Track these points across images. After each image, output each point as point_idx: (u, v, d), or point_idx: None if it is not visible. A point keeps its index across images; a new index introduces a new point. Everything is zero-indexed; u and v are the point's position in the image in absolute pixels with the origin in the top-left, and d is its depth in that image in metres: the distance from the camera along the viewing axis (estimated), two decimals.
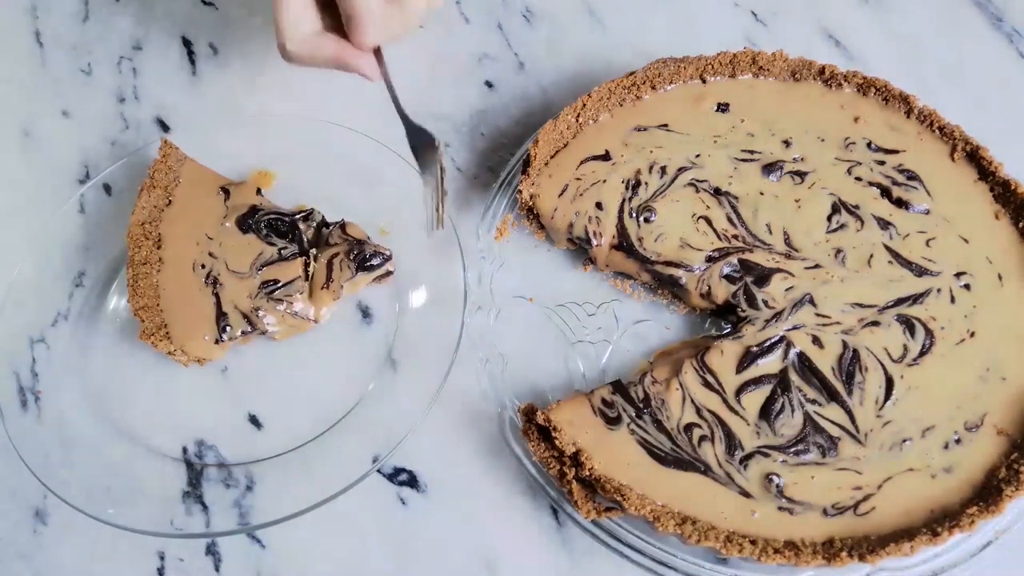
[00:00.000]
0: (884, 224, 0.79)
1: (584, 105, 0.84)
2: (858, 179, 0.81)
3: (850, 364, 0.73)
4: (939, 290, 0.76)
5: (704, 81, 0.88)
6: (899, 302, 0.75)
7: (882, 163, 0.82)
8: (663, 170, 0.82)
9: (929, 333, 0.74)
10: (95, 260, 0.86)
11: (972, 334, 0.74)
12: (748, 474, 0.68)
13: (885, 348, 0.73)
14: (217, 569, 0.74)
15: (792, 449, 0.69)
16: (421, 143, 0.78)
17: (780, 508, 0.67)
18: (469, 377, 0.77)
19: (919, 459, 0.68)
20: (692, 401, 0.72)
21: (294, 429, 0.78)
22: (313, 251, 0.83)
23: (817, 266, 0.77)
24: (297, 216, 0.84)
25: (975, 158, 0.81)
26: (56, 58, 1.03)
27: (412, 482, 0.76)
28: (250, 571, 0.73)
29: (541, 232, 0.85)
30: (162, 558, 0.74)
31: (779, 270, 0.77)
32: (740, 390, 0.72)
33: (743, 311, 0.76)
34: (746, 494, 0.68)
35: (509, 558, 0.73)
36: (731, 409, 0.71)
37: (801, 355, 0.73)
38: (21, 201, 0.93)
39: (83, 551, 0.75)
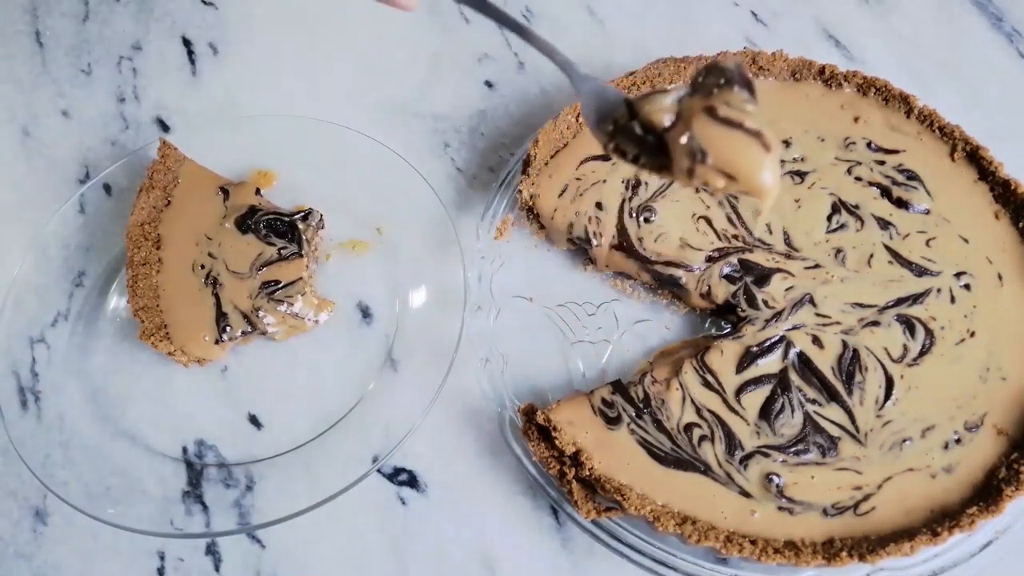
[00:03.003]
0: (884, 224, 0.79)
1: None
2: (858, 179, 0.81)
3: (850, 364, 0.73)
4: (939, 290, 0.76)
5: None
6: (899, 302, 0.75)
7: (882, 163, 0.82)
8: None
9: (929, 333, 0.74)
10: (95, 260, 0.86)
11: (972, 334, 0.74)
12: (748, 474, 0.68)
13: (885, 348, 0.73)
14: (217, 569, 0.74)
15: (792, 449, 0.69)
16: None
17: (780, 508, 0.67)
18: (469, 377, 0.77)
19: (919, 459, 0.68)
20: (692, 401, 0.72)
21: (294, 429, 0.78)
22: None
23: (817, 266, 0.77)
24: (296, 216, 0.84)
25: (975, 158, 0.81)
26: (56, 58, 1.03)
27: (412, 482, 0.76)
28: (250, 571, 0.73)
29: (541, 232, 0.85)
30: (162, 558, 0.74)
31: (779, 270, 0.77)
32: (740, 390, 0.72)
33: (743, 311, 0.76)
34: (746, 494, 0.68)
35: (509, 558, 0.73)
36: (731, 409, 0.71)
37: (801, 355, 0.73)
38: (21, 201, 0.93)
39: (83, 551, 0.75)
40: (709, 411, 0.71)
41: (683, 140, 0.57)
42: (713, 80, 0.57)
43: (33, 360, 0.81)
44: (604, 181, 0.82)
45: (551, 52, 0.65)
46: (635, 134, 0.61)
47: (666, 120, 0.59)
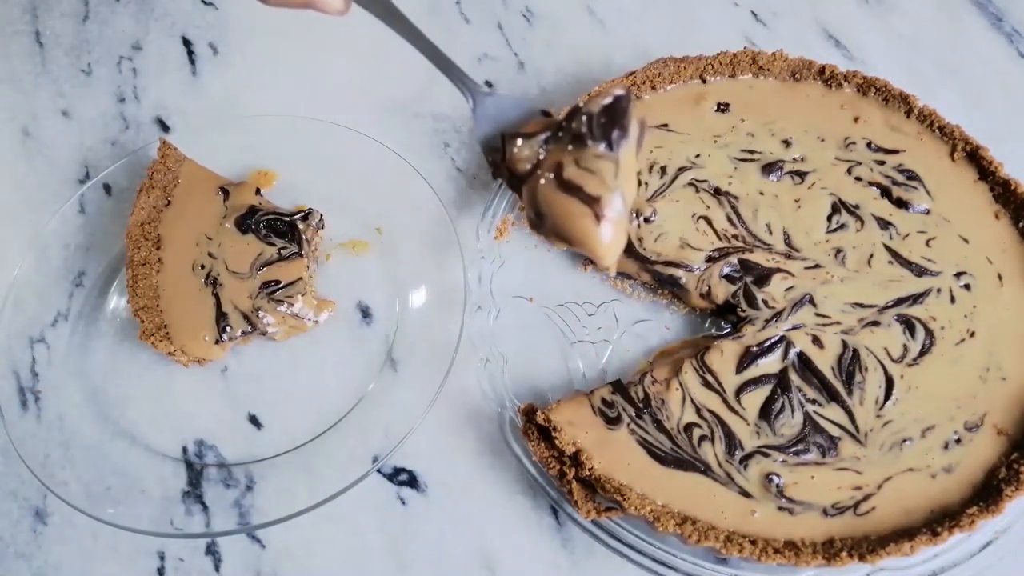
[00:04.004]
0: (884, 224, 0.79)
1: None
2: (858, 179, 0.81)
3: (850, 364, 0.73)
4: (939, 290, 0.76)
5: (704, 81, 0.88)
6: (899, 302, 0.75)
7: (882, 163, 0.82)
8: (663, 170, 0.82)
9: (929, 333, 0.74)
10: (95, 260, 0.86)
11: (972, 334, 0.74)
12: (748, 474, 0.68)
13: (885, 348, 0.73)
14: (217, 569, 0.74)
15: (792, 449, 0.69)
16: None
17: (780, 508, 0.67)
18: (469, 377, 0.77)
19: (919, 459, 0.68)
20: (692, 401, 0.72)
21: (294, 429, 0.78)
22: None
23: (817, 266, 0.77)
24: (296, 216, 0.84)
25: (975, 158, 0.81)
26: (56, 58, 1.03)
27: (412, 482, 0.76)
28: (250, 571, 0.73)
29: None
30: (162, 558, 0.74)
31: (779, 270, 0.77)
32: (740, 390, 0.72)
33: (743, 311, 0.76)
34: (746, 494, 0.68)
35: (509, 558, 0.73)
36: (731, 409, 0.71)
37: (801, 355, 0.73)
38: (21, 201, 0.93)
39: (83, 551, 0.75)
40: (709, 411, 0.71)
41: (531, 195, 0.59)
42: (575, 126, 0.57)
43: (33, 360, 0.81)
44: None
45: (449, 70, 0.67)
46: (505, 171, 0.62)
47: (527, 167, 0.59)
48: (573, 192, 0.57)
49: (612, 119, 0.57)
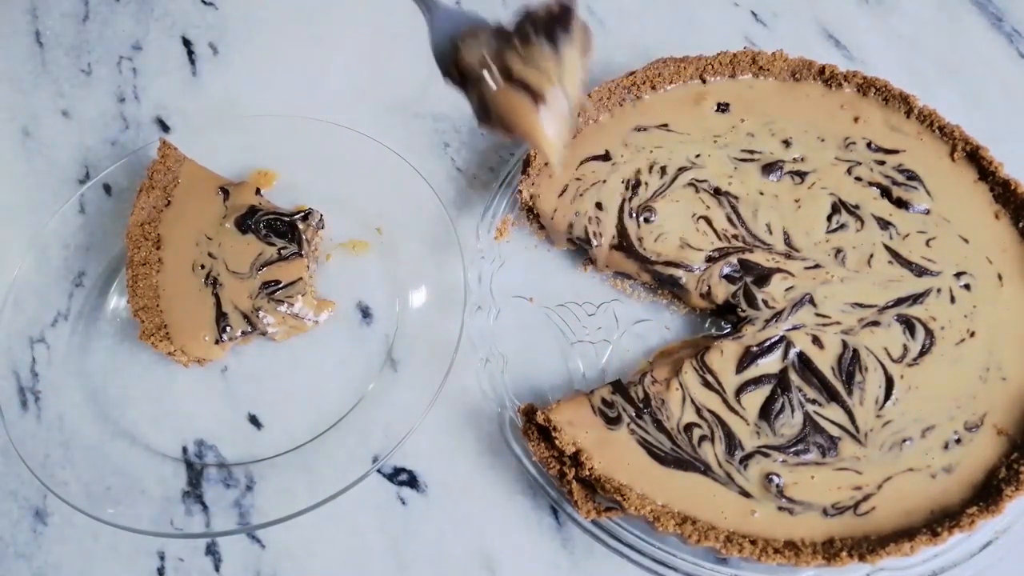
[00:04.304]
0: (884, 224, 0.79)
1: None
2: (858, 179, 0.81)
3: (850, 364, 0.73)
4: (939, 290, 0.76)
5: (704, 81, 0.88)
6: (899, 302, 0.75)
7: (882, 163, 0.82)
8: (663, 170, 0.82)
9: (929, 333, 0.74)
10: (95, 260, 0.86)
11: (972, 334, 0.74)
12: (748, 474, 0.68)
13: (885, 348, 0.73)
14: (217, 569, 0.74)
15: (792, 449, 0.69)
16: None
17: (780, 508, 0.67)
18: (469, 377, 0.77)
19: (919, 459, 0.68)
20: (692, 401, 0.72)
21: (294, 429, 0.78)
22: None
23: (817, 266, 0.77)
24: (296, 216, 0.84)
25: (975, 158, 0.81)
26: (56, 58, 1.03)
27: (412, 482, 0.76)
28: (250, 571, 0.73)
29: (541, 232, 0.85)
30: (162, 558, 0.74)
31: (779, 270, 0.77)
32: (740, 390, 0.72)
33: (743, 311, 0.76)
34: (746, 494, 0.68)
35: (509, 558, 0.73)
36: (731, 409, 0.71)
37: (801, 355, 0.73)
38: (21, 201, 0.93)
39: (83, 551, 0.75)
40: (709, 411, 0.71)
41: (478, 92, 0.65)
42: (521, 25, 0.63)
43: (33, 360, 0.81)
44: (604, 181, 0.82)
45: None
46: (455, 72, 0.68)
47: (475, 67, 0.65)
48: (518, 86, 0.62)
49: (556, 19, 0.63)
